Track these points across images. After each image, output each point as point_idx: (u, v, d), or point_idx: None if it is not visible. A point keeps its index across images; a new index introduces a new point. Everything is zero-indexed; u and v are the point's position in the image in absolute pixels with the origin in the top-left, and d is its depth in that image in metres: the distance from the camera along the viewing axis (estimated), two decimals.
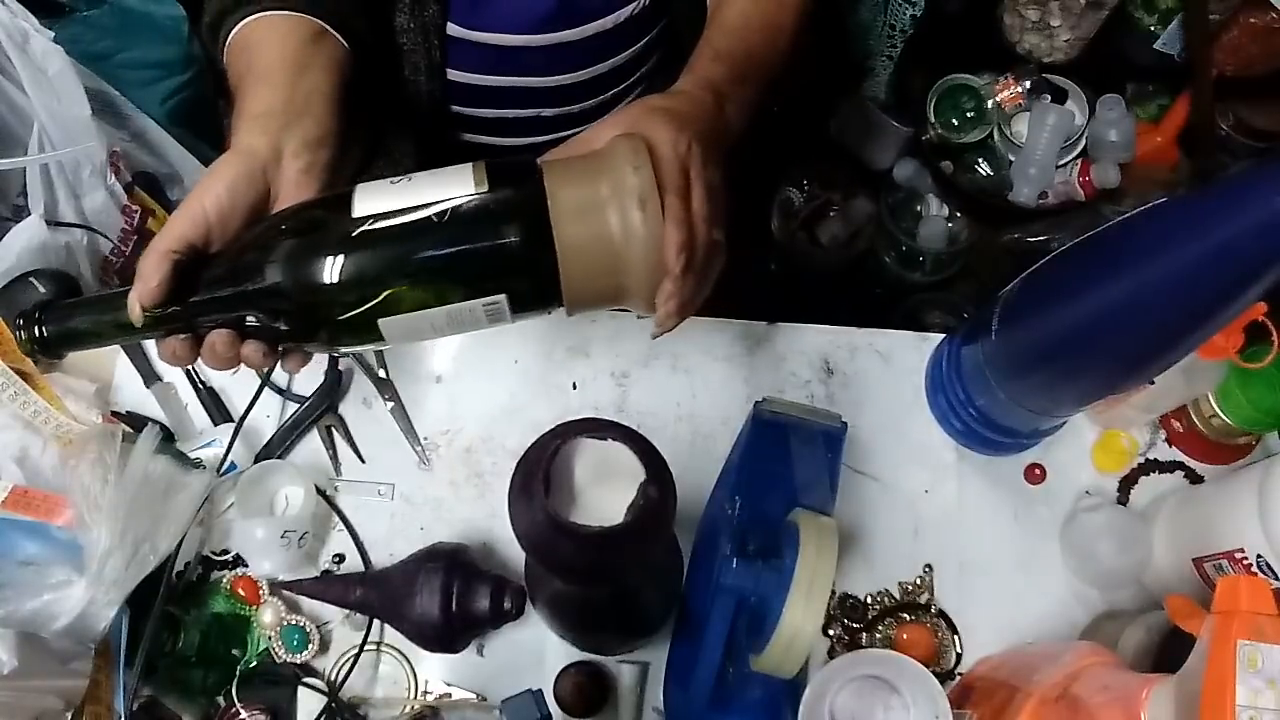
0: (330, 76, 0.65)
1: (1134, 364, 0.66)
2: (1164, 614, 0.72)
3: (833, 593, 0.81)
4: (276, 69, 0.63)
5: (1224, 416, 0.81)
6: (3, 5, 0.93)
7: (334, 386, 0.87)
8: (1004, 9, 1.40)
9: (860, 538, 0.85)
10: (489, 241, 0.53)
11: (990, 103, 1.44)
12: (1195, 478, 0.86)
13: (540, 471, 0.52)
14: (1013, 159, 1.44)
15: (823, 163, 1.61)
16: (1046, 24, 1.37)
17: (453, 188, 0.54)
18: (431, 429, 0.88)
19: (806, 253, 1.59)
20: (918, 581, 0.84)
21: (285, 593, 0.81)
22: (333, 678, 0.80)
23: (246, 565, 0.82)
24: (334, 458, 0.86)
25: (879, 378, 0.90)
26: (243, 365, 0.56)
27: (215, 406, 0.87)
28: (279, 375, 0.88)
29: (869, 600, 0.83)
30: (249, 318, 0.55)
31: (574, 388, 0.89)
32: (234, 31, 0.67)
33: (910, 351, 0.90)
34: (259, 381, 0.85)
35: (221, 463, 0.81)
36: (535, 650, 0.81)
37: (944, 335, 0.89)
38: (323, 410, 0.86)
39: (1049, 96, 1.42)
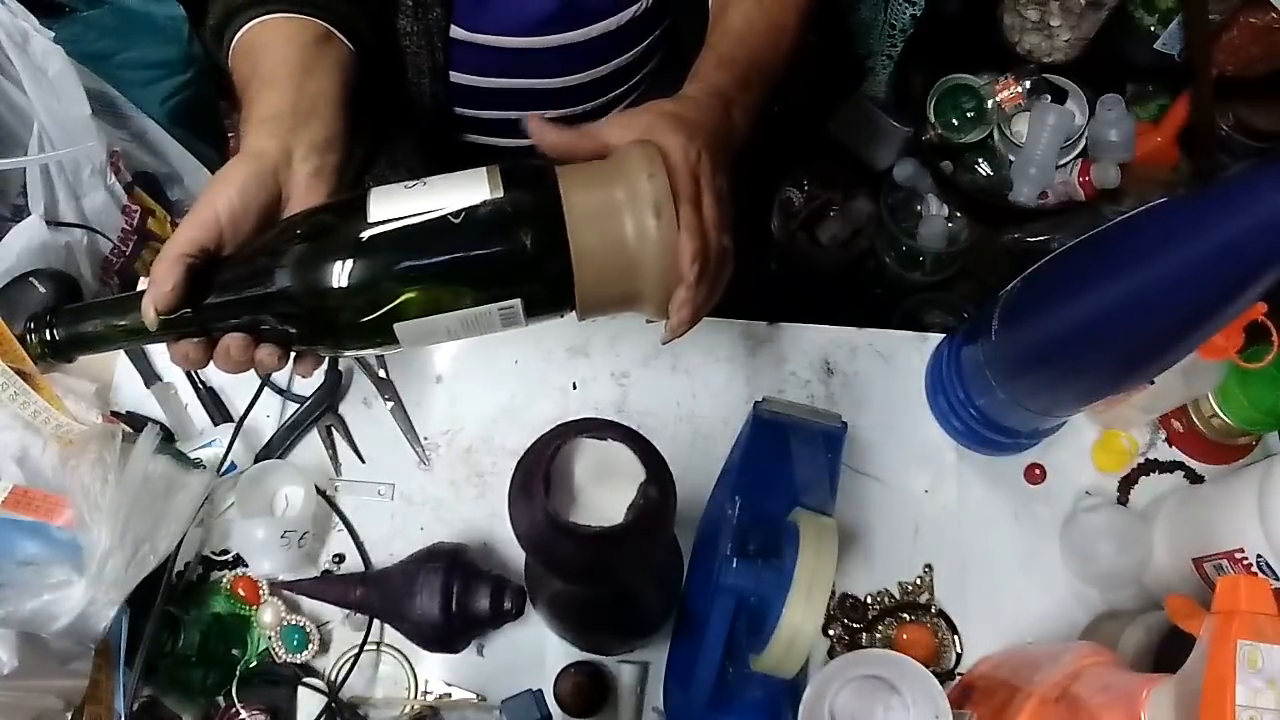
0: (336, 79, 0.65)
1: (1134, 364, 0.66)
2: (1164, 614, 0.72)
3: (833, 593, 0.81)
4: (282, 72, 0.63)
5: (1224, 416, 0.81)
6: (3, 5, 0.93)
7: (334, 386, 0.87)
8: (1004, 9, 1.40)
9: (860, 538, 0.85)
10: (506, 246, 0.53)
11: (990, 103, 1.44)
12: (1195, 478, 0.86)
13: (540, 471, 0.52)
14: (1013, 159, 1.44)
15: (823, 163, 1.61)
16: (1046, 24, 1.37)
17: (468, 192, 0.54)
18: (431, 429, 0.88)
19: (806, 253, 1.59)
20: (918, 581, 0.84)
21: (285, 593, 0.81)
22: (333, 678, 0.80)
23: (246, 565, 0.82)
24: (334, 458, 0.87)
25: (879, 378, 0.90)
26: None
27: (215, 406, 0.87)
28: (279, 375, 0.88)
29: (869, 600, 0.83)
30: (264, 321, 0.55)
31: (574, 388, 0.89)
32: (238, 35, 0.67)
33: (910, 351, 0.91)
34: (259, 381, 0.85)
35: (221, 463, 0.81)
36: (535, 650, 0.81)
37: (944, 335, 0.89)
38: (323, 410, 0.86)
39: (1049, 96, 1.42)
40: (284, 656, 0.78)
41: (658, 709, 0.80)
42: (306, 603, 0.81)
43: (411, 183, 0.55)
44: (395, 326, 0.54)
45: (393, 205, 0.54)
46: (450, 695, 0.80)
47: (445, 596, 0.73)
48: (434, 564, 0.75)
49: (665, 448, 0.55)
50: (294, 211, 0.58)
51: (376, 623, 0.80)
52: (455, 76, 0.87)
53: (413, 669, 0.80)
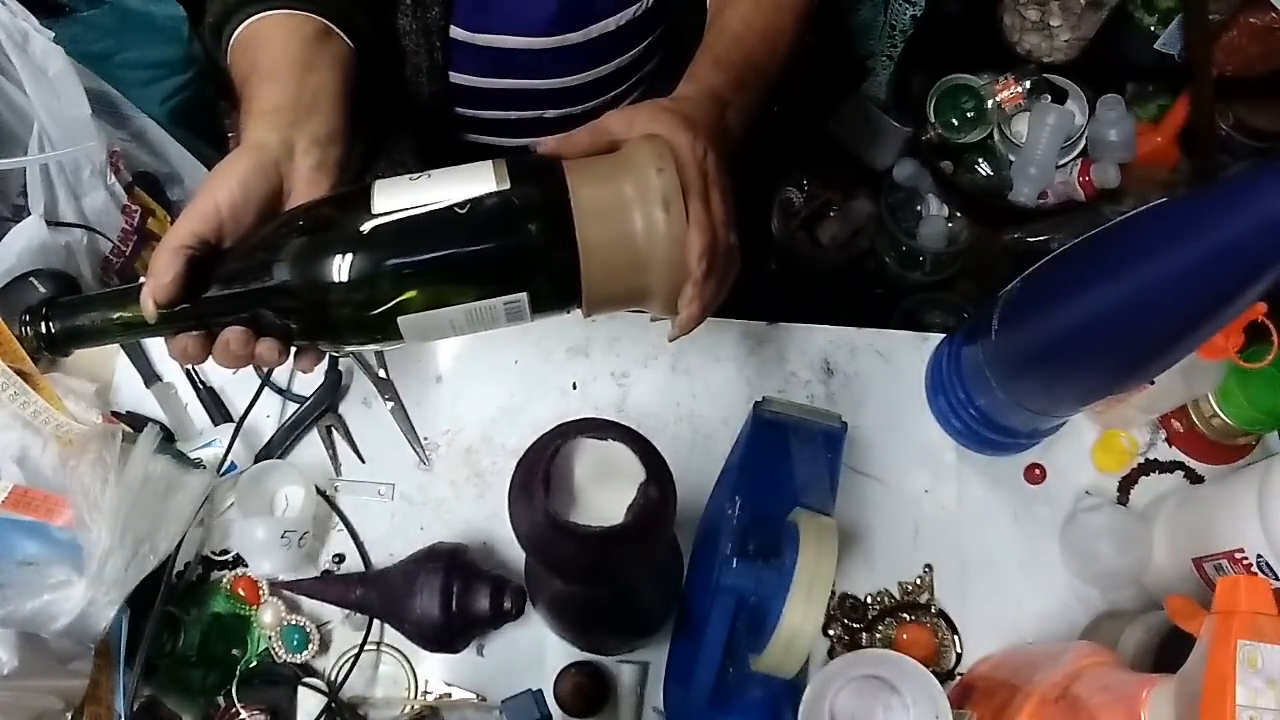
0: (336, 74, 0.65)
1: (1134, 364, 0.66)
2: (1164, 614, 0.71)
3: (833, 593, 0.81)
4: (283, 67, 0.63)
5: (1224, 416, 0.81)
6: (3, 5, 0.93)
7: (334, 386, 0.87)
8: (1004, 9, 1.40)
9: (860, 538, 0.85)
10: (512, 239, 0.53)
11: (990, 103, 1.44)
12: (1195, 478, 0.86)
13: (540, 471, 0.52)
14: (1013, 159, 1.44)
15: (823, 163, 1.61)
16: (1046, 24, 1.37)
17: (474, 185, 0.53)
18: (431, 429, 0.88)
19: (806, 253, 1.59)
20: (918, 581, 0.84)
21: (285, 593, 0.81)
22: (333, 678, 0.80)
23: (246, 565, 0.82)
24: (334, 458, 0.86)
25: (879, 378, 0.90)
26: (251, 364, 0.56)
27: (215, 406, 0.87)
28: (279, 375, 0.88)
29: (869, 600, 0.83)
30: (264, 315, 0.54)
31: (574, 388, 0.89)
32: (238, 31, 0.67)
33: (910, 351, 0.91)
34: (259, 381, 0.85)
35: (221, 463, 0.81)
36: (535, 650, 0.81)
37: (944, 335, 0.89)
38: (323, 410, 0.86)
39: (1049, 96, 1.42)
40: (284, 656, 0.78)
41: (658, 709, 0.80)
42: (306, 603, 0.81)
43: (416, 175, 0.55)
44: (399, 320, 0.53)
45: (397, 197, 0.53)
46: (450, 695, 0.80)
47: (445, 596, 0.73)
48: (434, 564, 0.75)
49: (665, 448, 0.55)
50: (295, 205, 0.58)
51: (376, 623, 0.80)
52: (455, 76, 0.87)
53: (413, 669, 0.80)
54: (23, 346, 0.55)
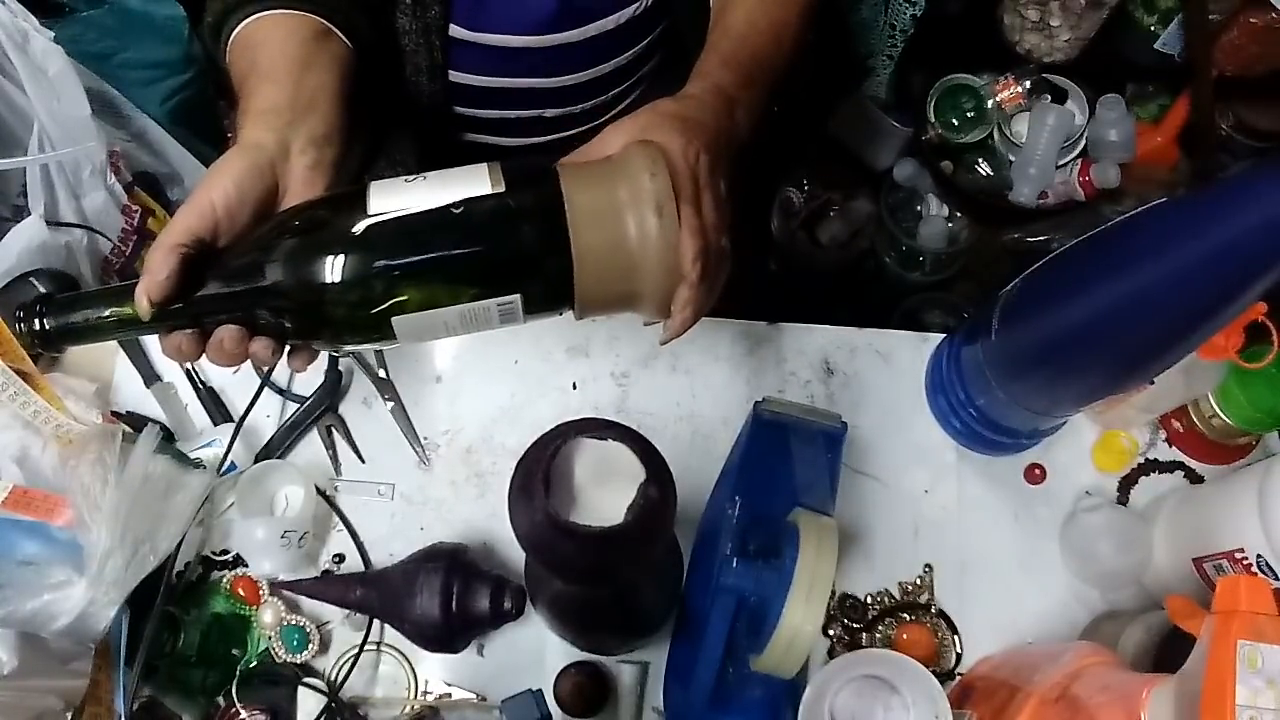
0: (334, 74, 0.65)
1: (1134, 364, 0.66)
2: (1164, 614, 0.72)
3: (833, 593, 0.81)
4: (281, 66, 0.63)
5: (1224, 416, 0.81)
6: (3, 5, 0.93)
7: (334, 386, 0.87)
8: (1004, 9, 1.40)
9: (860, 538, 0.85)
10: (507, 241, 0.53)
11: (990, 103, 1.44)
12: (1195, 478, 0.86)
13: (540, 471, 0.52)
14: (1013, 159, 1.44)
15: (823, 163, 1.61)
16: (1046, 24, 1.37)
17: (469, 187, 0.54)
18: (431, 429, 0.88)
19: (806, 253, 1.59)
20: (918, 581, 0.84)
21: (285, 593, 0.81)
22: (333, 678, 0.80)
23: (246, 565, 0.82)
24: (334, 458, 0.86)
25: (879, 378, 0.90)
26: (246, 363, 0.56)
27: (215, 406, 0.87)
28: (279, 375, 0.88)
29: (869, 600, 0.83)
30: (259, 314, 0.55)
31: (574, 388, 0.89)
32: (237, 30, 0.67)
33: (910, 351, 0.91)
34: (259, 381, 0.85)
35: (221, 463, 0.81)
36: (535, 650, 0.81)
37: (944, 335, 0.89)
38: (323, 410, 0.86)
39: (1049, 96, 1.42)
40: (284, 656, 0.78)
41: (658, 709, 0.80)
42: (306, 603, 0.81)
43: (411, 177, 0.55)
44: (393, 321, 0.54)
45: (393, 198, 0.54)
46: (450, 695, 0.80)
47: (445, 596, 0.73)
48: (434, 564, 0.75)
49: (665, 448, 0.55)
50: (291, 205, 0.58)
51: (376, 623, 0.80)
52: (454, 75, 0.87)
53: (413, 669, 0.80)
54: (18, 342, 0.55)
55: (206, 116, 1.33)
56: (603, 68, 0.90)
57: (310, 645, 0.79)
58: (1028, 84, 1.41)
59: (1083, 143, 1.41)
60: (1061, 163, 1.41)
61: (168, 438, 0.83)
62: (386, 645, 0.81)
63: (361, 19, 0.71)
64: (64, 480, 0.74)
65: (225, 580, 0.81)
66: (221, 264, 0.55)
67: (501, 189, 0.54)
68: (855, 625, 0.82)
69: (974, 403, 0.83)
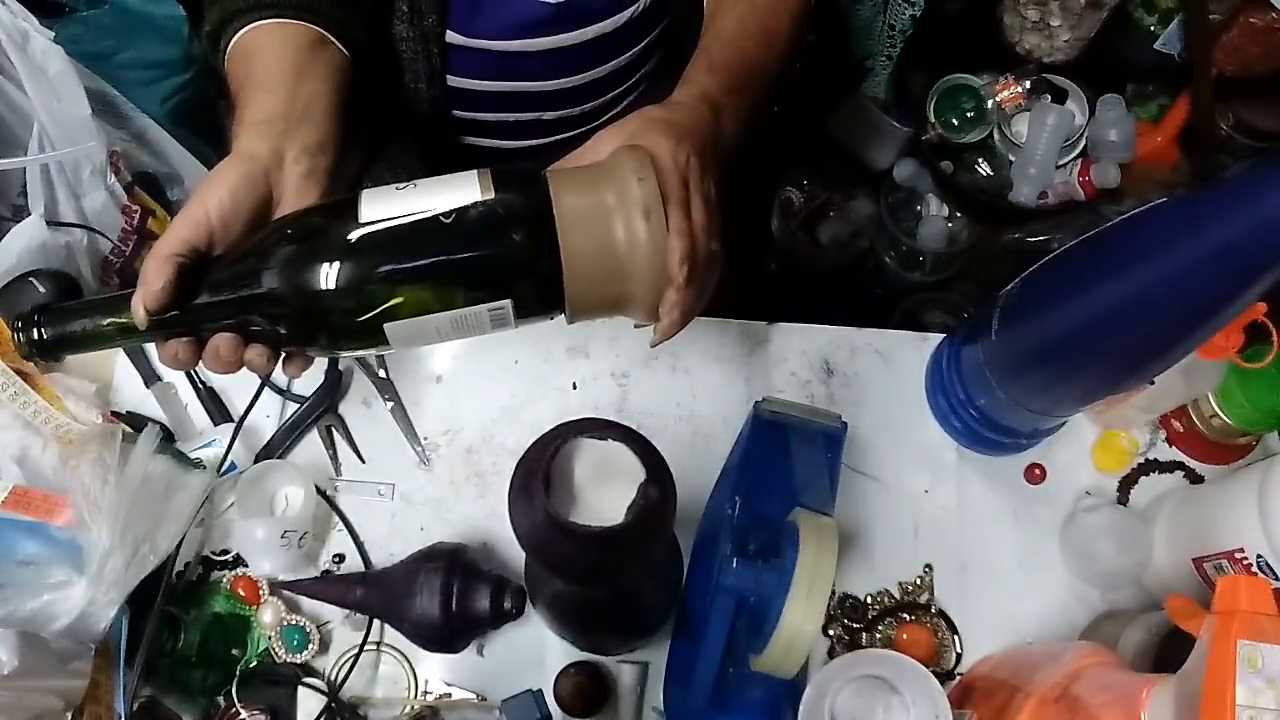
0: (330, 83, 0.66)
1: (1134, 364, 0.66)
2: (1164, 614, 0.71)
3: (833, 593, 0.81)
4: (276, 76, 0.64)
5: (1224, 416, 0.81)
6: (3, 5, 0.93)
7: (334, 386, 0.87)
8: (1004, 9, 1.40)
9: (860, 538, 0.85)
10: (496, 247, 0.54)
11: (990, 103, 1.43)
12: (1195, 478, 0.86)
13: (540, 471, 0.52)
14: (1013, 159, 1.44)
15: (823, 163, 1.61)
16: (1046, 24, 1.37)
17: (459, 193, 0.54)
18: (431, 429, 0.88)
19: (806, 253, 1.59)
20: (918, 581, 0.84)
21: (285, 593, 0.81)
22: (333, 678, 0.80)
23: (246, 565, 0.82)
24: (334, 458, 0.86)
25: (879, 378, 0.90)
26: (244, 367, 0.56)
27: (215, 406, 0.87)
28: (279, 375, 0.87)
29: (869, 600, 0.83)
30: (253, 322, 0.55)
31: (574, 388, 0.89)
32: (234, 39, 0.67)
33: (910, 351, 0.91)
34: (259, 381, 0.85)
35: (221, 463, 0.81)
36: (535, 650, 0.81)
37: (944, 335, 0.89)
38: (323, 410, 0.86)
39: (1049, 96, 1.42)
40: (284, 656, 0.78)
41: (658, 709, 0.80)
42: (306, 603, 0.81)
43: (402, 184, 0.55)
44: (386, 327, 0.54)
45: (384, 206, 0.54)
46: (450, 695, 0.80)
47: (445, 596, 0.73)
48: (434, 564, 0.75)
49: (665, 448, 0.55)
50: (284, 213, 0.59)
51: (376, 623, 0.80)
52: (452, 80, 0.87)
53: (413, 669, 0.80)
54: (16, 351, 0.55)
55: (206, 116, 1.33)
56: (601, 70, 0.90)
57: (310, 645, 0.79)
58: (1028, 84, 1.41)
59: (1083, 143, 1.41)
60: (1061, 163, 1.41)
61: (168, 438, 0.83)
62: (386, 645, 0.81)
63: (358, 27, 0.71)
64: (64, 480, 0.74)
65: (225, 580, 0.81)
66: (216, 272, 0.55)
67: (491, 195, 0.54)
68: (855, 625, 0.82)
69: (974, 403, 0.83)
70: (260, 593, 0.80)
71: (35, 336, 0.54)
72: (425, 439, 0.87)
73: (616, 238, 0.55)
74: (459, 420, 0.88)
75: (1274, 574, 0.69)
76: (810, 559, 0.65)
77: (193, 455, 0.82)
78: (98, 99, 1.07)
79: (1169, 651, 0.70)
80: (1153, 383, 0.74)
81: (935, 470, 0.87)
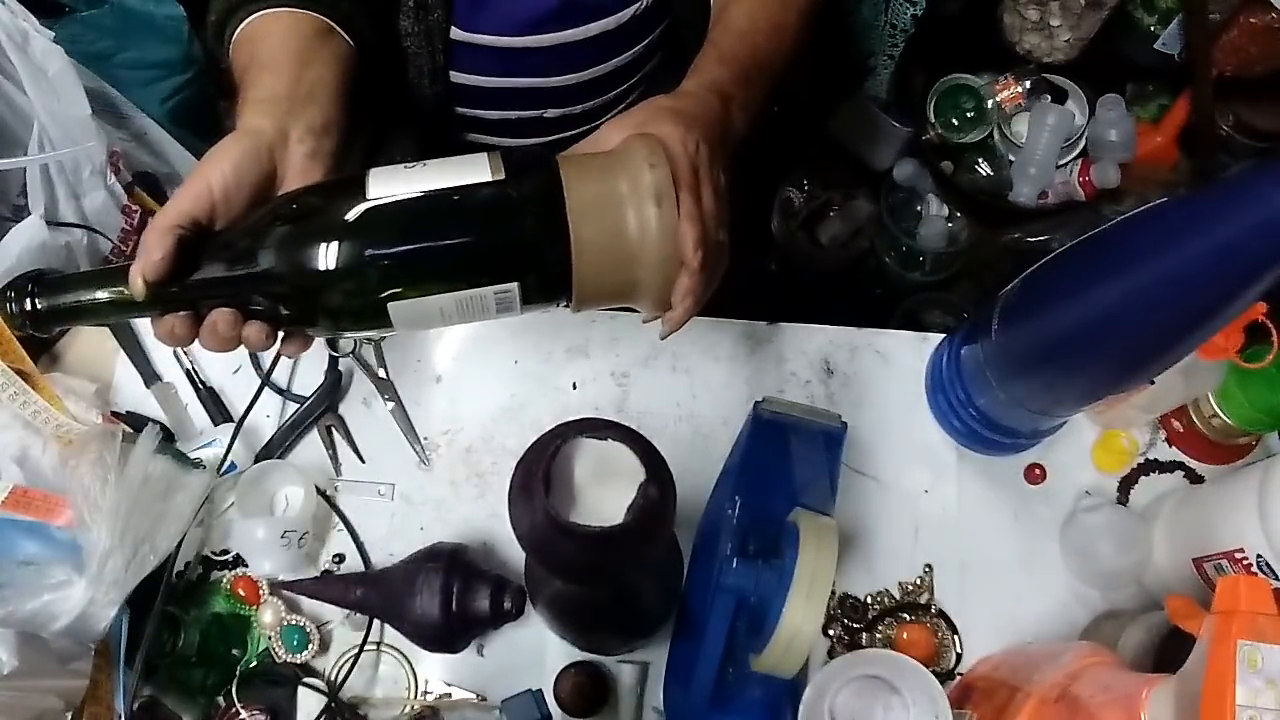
0: (334, 70, 0.66)
1: (1134, 364, 0.66)
2: (1164, 614, 0.71)
3: (833, 593, 0.81)
4: (281, 59, 0.63)
5: (1224, 416, 0.81)
6: (3, 5, 0.93)
7: (334, 386, 0.87)
8: (1004, 9, 1.40)
9: (860, 538, 0.85)
10: (506, 229, 0.53)
11: (990, 103, 1.44)
12: (1195, 478, 0.86)
13: (540, 471, 0.52)
14: (1013, 159, 1.44)
15: (823, 163, 1.61)
16: (1046, 24, 1.37)
17: (469, 174, 0.54)
18: (431, 429, 0.88)
19: (806, 253, 1.59)
20: (918, 581, 0.84)
21: (285, 593, 0.81)
22: (333, 678, 0.80)
23: (246, 565, 0.82)
24: (334, 458, 0.86)
25: (879, 378, 0.90)
26: (243, 360, 0.56)
27: (215, 406, 0.87)
28: (279, 375, 0.88)
29: (869, 600, 0.83)
30: (254, 299, 0.54)
31: (574, 388, 0.89)
32: (240, 27, 0.67)
33: (910, 351, 0.90)
34: (259, 381, 0.85)
35: (221, 463, 0.81)
36: (535, 650, 0.81)
37: (944, 335, 0.89)
38: (323, 410, 0.86)
39: (1049, 96, 1.42)
40: (284, 656, 0.78)
41: (658, 709, 0.80)
42: (306, 603, 0.81)
43: (412, 164, 0.55)
44: (390, 307, 0.53)
45: (393, 185, 0.54)
46: (450, 695, 0.80)
47: (445, 596, 0.73)
48: (434, 564, 0.75)
49: (665, 448, 0.55)
50: (288, 191, 0.58)
51: (376, 623, 0.80)
52: (456, 77, 0.87)
53: (413, 669, 0.80)
54: (6, 324, 0.53)
55: (206, 116, 1.33)
56: (604, 67, 0.90)
57: (310, 645, 0.79)
58: (1028, 84, 1.41)
59: (1083, 143, 1.41)
60: (1061, 163, 1.42)
61: (168, 438, 0.83)
62: (386, 645, 0.81)
63: (363, 20, 0.71)
64: (64, 480, 0.74)
65: (225, 580, 0.81)
66: (217, 247, 0.54)
67: (501, 177, 0.54)
68: (855, 625, 0.82)
69: (974, 403, 0.82)
70: (260, 593, 0.80)
71: (28, 307, 0.53)
72: (425, 439, 0.87)
73: (628, 224, 0.54)
74: (459, 420, 0.88)
75: (1274, 574, 0.69)
76: (810, 559, 0.65)
77: (193, 455, 0.82)
78: (98, 99, 1.07)
79: (1169, 651, 0.70)
80: (1153, 383, 0.74)
81: (935, 470, 0.87)
